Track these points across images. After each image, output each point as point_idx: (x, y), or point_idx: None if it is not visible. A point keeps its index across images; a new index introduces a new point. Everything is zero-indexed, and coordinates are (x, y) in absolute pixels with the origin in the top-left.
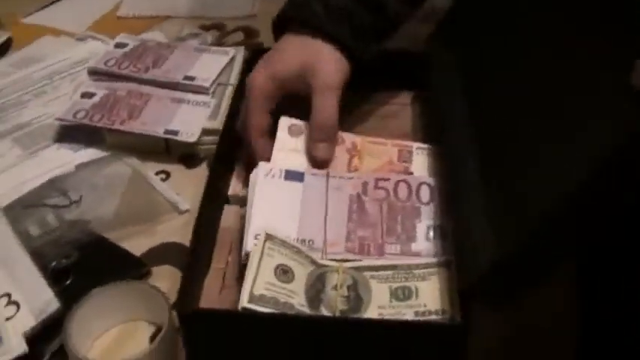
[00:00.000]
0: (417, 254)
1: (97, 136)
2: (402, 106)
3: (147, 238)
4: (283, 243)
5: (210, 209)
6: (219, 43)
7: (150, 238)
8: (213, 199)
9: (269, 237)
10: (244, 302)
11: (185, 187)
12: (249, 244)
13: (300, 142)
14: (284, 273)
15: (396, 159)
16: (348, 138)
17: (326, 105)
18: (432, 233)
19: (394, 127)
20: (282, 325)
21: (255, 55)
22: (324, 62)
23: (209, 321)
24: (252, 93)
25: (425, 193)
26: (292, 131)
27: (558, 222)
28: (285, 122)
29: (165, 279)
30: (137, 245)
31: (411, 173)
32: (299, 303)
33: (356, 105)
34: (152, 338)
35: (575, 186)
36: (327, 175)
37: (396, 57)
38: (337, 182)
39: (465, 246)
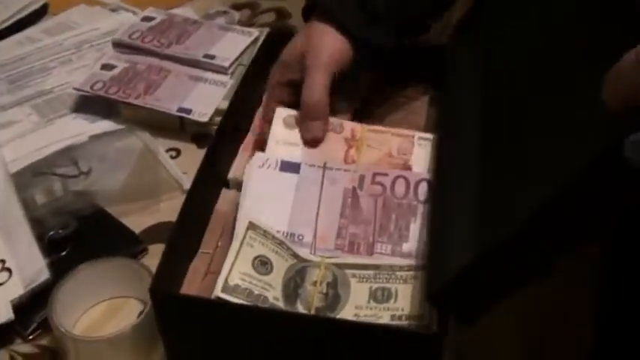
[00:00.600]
0: (408, 255)
1: (113, 109)
2: (422, 102)
3: (148, 215)
4: (265, 234)
5: (204, 191)
6: (249, 22)
7: (151, 215)
8: (209, 181)
9: (252, 226)
10: (218, 291)
11: (193, 167)
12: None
13: (296, 134)
14: (262, 264)
15: (396, 151)
16: (347, 126)
17: (313, 83)
18: (425, 234)
19: (412, 122)
20: (252, 318)
21: (272, 37)
22: (321, 43)
23: (181, 306)
24: (268, 81)
25: (423, 191)
26: (287, 123)
27: (528, 233)
28: (280, 113)
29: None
30: (138, 221)
31: (410, 167)
32: (274, 296)
33: (375, 98)
34: (140, 315)
35: (549, 198)
36: (324, 167)
37: (421, 52)
38: (334, 174)
39: (438, 251)
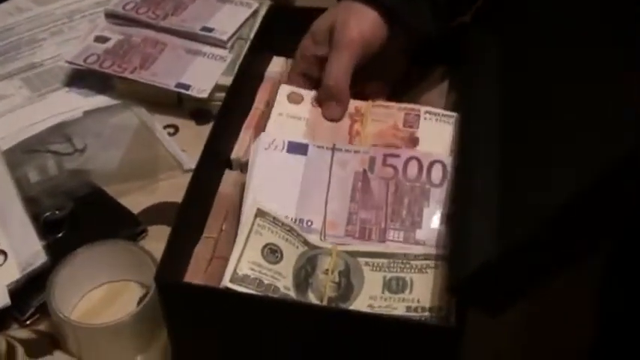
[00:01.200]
0: (422, 243)
1: (108, 83)
2: (441, 84)
3: (147, 195)
4: (275, 220)
5: (208, 172)
6: None
7: (150, 195)
8: (213, 162)
9: (260, 213)
10: (226, 281)
11: (193, 145)
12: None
13: (299, 110)
14: (272, 253)
15: (402, 124)
16: (352, 103)
17: (337, 61)
18: (438, 221)
19: (424, 102)
20: (262, 308)
21: (274, 12)
22: (352, 19)
23: (188, 296)
24: (296, 52)
25: (437, 173)
26: (291, 99)
27: (554, 231)
28: (284, 90)
29: (161, 239)
30: (136, 202)
31: (417, 139)
32: (284, 286)
33: None
34: (141, 300)
35: (573, 196)
36: (333, 148)
37: None
38: (343, 156)
39: (460, 240)
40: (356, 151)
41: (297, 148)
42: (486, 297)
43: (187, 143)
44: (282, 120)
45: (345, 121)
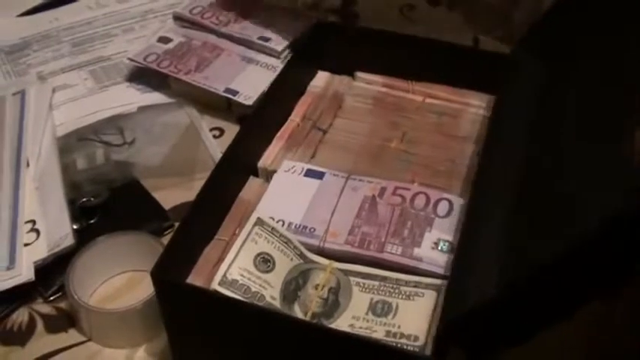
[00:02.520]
0: (418, 260)
1: (164, 82)
2: (464, 106)
3: (181, 192)
4: (273, 231)
5: (230, 176)
6: (314, 5)
7: (184, 192)
8: (237, 167)
9: (259, 222)
10: (215, 284)
11: None
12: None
13: None
14: (264, 262)
15: None
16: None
17: None
18: (440, 245)
19: (449, 125)
20: (244, 314)
21: (322, 26)
22: None
23: (177, 294)
24: None
25: (443, 208)
26: None
27: (553, 275)
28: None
29: None
30: (170, 197)
31: None
32: (271, 295)
33: (419, 93)
34: None
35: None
36: (348, 177)
37: (483, 56)
38: (355, 184)
39: (460, 277)
40: (369, 181)
41: (314, 174)
42: (473, 340)
43: None
44: None
45: None
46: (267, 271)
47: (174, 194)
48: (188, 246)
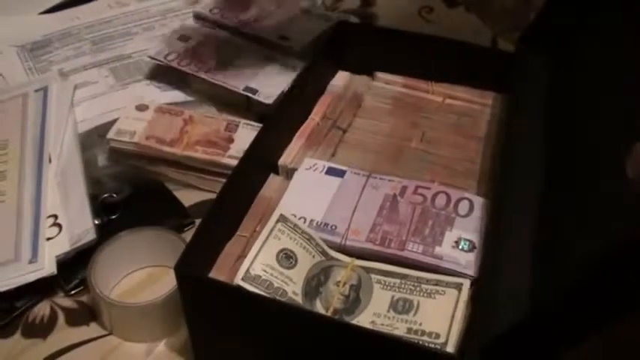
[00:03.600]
0: (439, 258)
1: (185, 80)
2: (483, 107)
3: (202, 190)
4: (295, 227)
5: (251, 174)
6: (332, 6)
7: (204, 190)
8: (258, 164)
9: (282, 219)
10: (238, 279)
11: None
12: (274, 220)
13: (144, 115)
14: (287, 258)
15: (223, 129)
16: (187, 112)
17: None
18: (461, 244)
19: (468, 126)
20: (267, 309)
21: (343, 26)
22: None
23: (201, 288)
24: None
25: (463, 207)
26: (138, 108)
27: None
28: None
29: None
30: (190, 195)
31: (233, 139)
32: (293, 291)
33: (438, 94)
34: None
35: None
36: (369, 176)
37: (487, 54)
38: (377, 182)
39: (492, 296)
40: (390, 180)
41: (335, 172)
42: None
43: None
44: (129, 121)
45: (179, 123)
46: (290, 267)
47: (194, 192)
48: (210, 242)
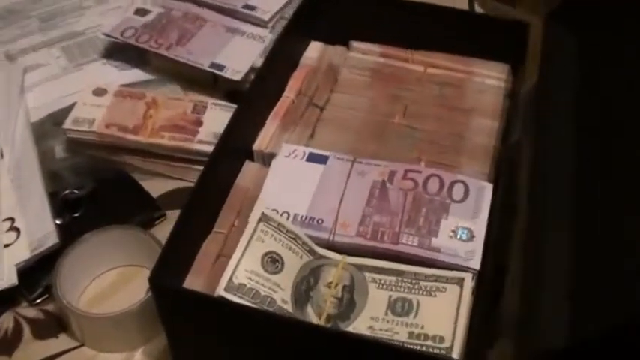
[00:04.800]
0: (436, 250)
1: (145, 57)
2: (468, 75)
3: (170, 179)
4: (279, 227)
5: (225, 162)
6: None
7: (173, 179)
8: (231, 151)
9: (265, 218)
10: (220, 290)
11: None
12: (254, 217)
13: (102, 100)
14: (272, 262)
15: (190, 111)
16: (149, 94)
17: None
18: (458, 233)
19: (452, 96)
20: (254, 321)
21: None
22: None
23: (180, 300)
24: None
25: (458, 192)
26: (96, 92)
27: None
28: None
29: None
30: (158, 185)
31: (202, 122)
32: (282, 299)
33: (419, 63)
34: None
35: None
36: (354, 161)
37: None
38: (362, 168)
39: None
40: (377, 165)
41: (316, 158)
42: None
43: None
44: (87, 108)
45: (142, 107)
46: (276, 272)
47: (163, 181)
48: (186, 243)
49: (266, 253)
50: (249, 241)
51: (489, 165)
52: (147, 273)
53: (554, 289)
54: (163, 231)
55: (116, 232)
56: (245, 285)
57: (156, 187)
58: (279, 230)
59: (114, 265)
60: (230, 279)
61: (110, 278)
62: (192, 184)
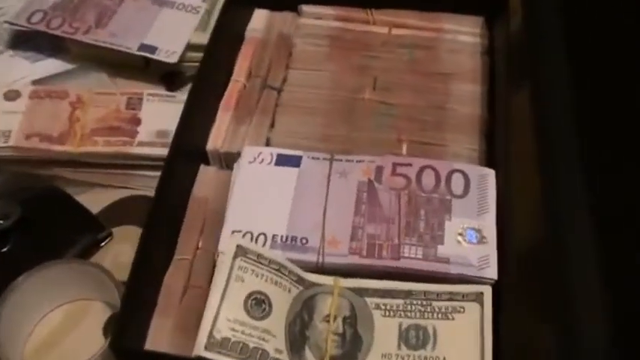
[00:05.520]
0: (444, 261)
1: (61, 44)
2: (438, 33)
3: (107, 190)
4: (259, 259)
5: (179, 170)
6: None
7: (111, 190)
8: (183, 156)
9: (241, 251)
10: (200, 349)
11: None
12: (224, 243)
13: (15, 105)
14: (258, 304)
15: (124, 106)
16: (72, 91)
17: None
18: (466, 235)
19: (425, 60)
20: None
21: None
22: None
23: None
24: None
25: (457, 184)
26: (7, 96)
27: None
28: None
29: (127, 241)
30: (99, 196)
31: (139, 119)
32: (276, 349)
33: (382, 24)
34: (107, 324)
35: None
36: (332, 159)
37: None
38: (343, 166)
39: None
40: (359, 161)
41: (288, 160)
42: None
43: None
44: None
45: (66, 109)
46: (264, 317)
47: (102, 193)
48: (147, 279)
49: (249, 295)
50: (226, 282)
51: (478, 138)
52: (99, 307)
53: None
54: (111, 252)
55: (55, 268)
56: (229, 339)
57: (95, 201)
58: (260, 263)
59: (59, 303)
60: (210, 334)
61: (57, 319)
62: (137, 192)
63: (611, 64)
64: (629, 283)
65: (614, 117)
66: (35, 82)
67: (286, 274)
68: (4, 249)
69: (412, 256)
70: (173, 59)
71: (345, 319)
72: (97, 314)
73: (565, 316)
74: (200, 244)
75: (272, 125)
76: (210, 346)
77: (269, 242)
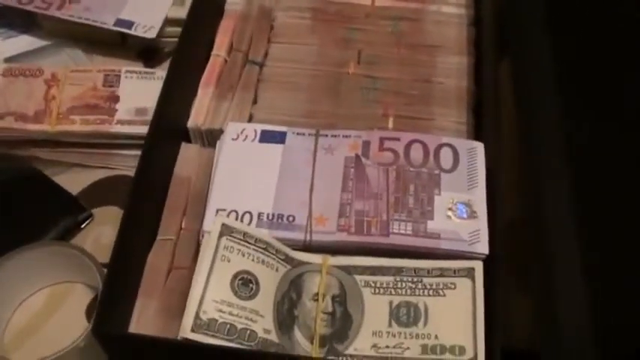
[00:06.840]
0: (435, 236)
1: (33, 19)
2: (423, 4)
3: (85, 170)
4: (246, 237)
5: (160, 148)
6: None
7: (90, 170)
8: (165, 133)
9: (226, 230)
10: (186, 331)
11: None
12: (208, 222)
13: None
14: (245, 284)
15: (101, 84)
16: (48, 70)
17: None
18: (456, 210)
19: (411, 33)
20: None
21: None
22: None
23: (135, 348)
24: None
25: (446, 158)
26: None
27: None
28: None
29: (108, 222)
30: (78, 176)
31: (117, 97)
32: (264, 329)
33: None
34: (89, 307)
35: None
36: (317, 134)
37: None
38: (329, 142)
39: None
40: (345, 136)
41: (272, 137)
42: None
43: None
44: None
45: (41, 87)
46: (252, 296)
47: (81, 173)
48: (129, 260)
49: (236, 275)
50: (212, 262)
51: (465, 111)
52: (80, 289)
53: None
54: (92, 234)
55: (35, 251)
56: (216, 320)
57: (74, 181)
58: (246, 242)
59: (39, 287)
60: (197, 316)
61: (37, 303)
62: (117, 172)
63: (592, 35)
64: (604, 251)
65: (595, 87)
66: (8, 60)
67: (273, 252)
68: None
69: (402, 232)
70: (151, 34)
71: (334, 297)
72: (79, 297)
73: (544, 284)
74: (184, 224)
75: (255, 101)
76: (196, 327)
77: (255, 221)
